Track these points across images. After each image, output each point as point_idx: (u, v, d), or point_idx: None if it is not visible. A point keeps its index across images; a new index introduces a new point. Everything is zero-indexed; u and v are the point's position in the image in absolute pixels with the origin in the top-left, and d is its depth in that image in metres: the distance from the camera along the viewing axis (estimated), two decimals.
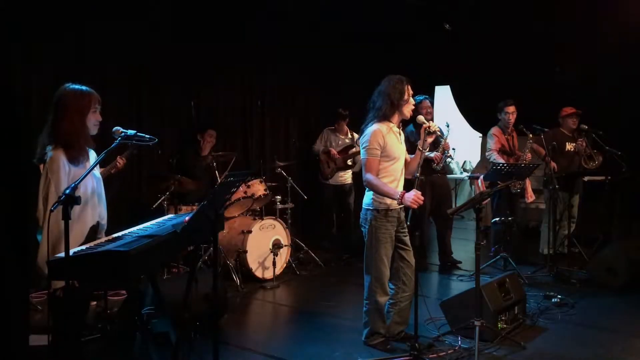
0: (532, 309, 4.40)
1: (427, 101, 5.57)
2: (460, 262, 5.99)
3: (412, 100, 3.64)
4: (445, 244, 5.96)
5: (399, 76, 3.61)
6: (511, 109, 5.81)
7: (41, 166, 2.80)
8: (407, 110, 3.63)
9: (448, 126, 5.13)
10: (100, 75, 5.33)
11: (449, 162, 6.06)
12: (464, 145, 9.72)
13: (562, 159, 5.98)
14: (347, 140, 6.74)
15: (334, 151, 6.66)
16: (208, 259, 5.36)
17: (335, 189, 6.78)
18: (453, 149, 5.58)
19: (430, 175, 5.60)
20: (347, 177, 6.79)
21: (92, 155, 2.97)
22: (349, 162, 6.67)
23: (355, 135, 6.71)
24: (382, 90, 3.61)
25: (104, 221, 2.98)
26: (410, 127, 5.53)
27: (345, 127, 6.79)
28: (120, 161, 4.14)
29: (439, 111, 9.07)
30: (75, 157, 2.77)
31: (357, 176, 6.89)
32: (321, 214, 7.02)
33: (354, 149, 6.56)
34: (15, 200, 2.95)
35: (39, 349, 3.17)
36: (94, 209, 2.87)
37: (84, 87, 2.85)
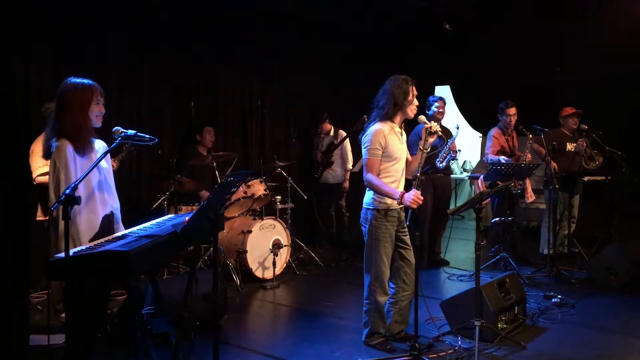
0: (532, 309, 4.39)
1: (442, 101, 5.71)
2: (448, 263, 6.01)
3: (415, 101, 3.63)
4: (436, 243, 6.01)
5: (404, 76, 3.60)
6: (512, 110, 5.80)
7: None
8: (411, 110, 3.62)
9: (458, 128, 5.16)
10: (100, 75, 5.30)
11: (452, 163, 6.09)
12: (464, 145, 9.72)
13: (563, 159, 5.97)
14: (330, 139, 6.98)
15: (318, 154, 7.08)
16: (208, 259, 5.36)
17: (327, 188, 6.96)
18: (459, 150, 5.63)
19: (434, 174, 5.61)
20: (336, 176, 6.86)
21: (101, 145, 2.96)
22: (332, 159, 6.91)
23: (340, 132, 6.90)
24: (386, 89, 3.60)
25: (118, 212, 2.97)
26: (421, 126, 5.55)
27: (328, 126, 7.02)
28: (113, 165, 4.12)
29: None
30: (80, 149, 2.77)
31: (353, 176, 6.94)
32: (318, 213, 7.13)
33: (334, 145, 6.89)
34: (15, 200, 2.95)
35: (39, 349, 3.17)
36: (103, 199, 2.86)
37: (85, 80, 2.85)
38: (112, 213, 2.91)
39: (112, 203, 2.93)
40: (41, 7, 4.82)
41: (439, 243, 6.05)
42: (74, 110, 2.77)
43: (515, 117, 5.82)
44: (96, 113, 2.86)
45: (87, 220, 2.73)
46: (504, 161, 5.47)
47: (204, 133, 5.95)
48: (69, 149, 2.71)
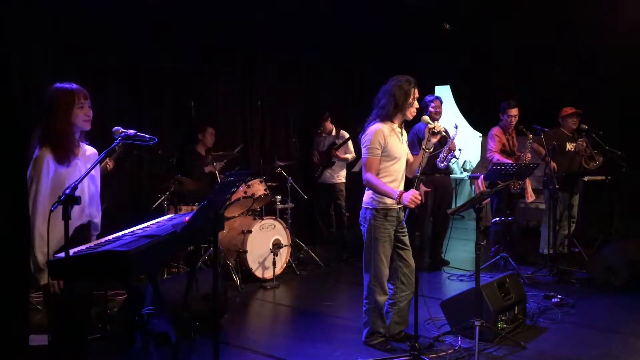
0: (532, 309, 4.40)
1: (438, 100, 5.67)
2: (448, 263, 6.02)
3: (415, 104, 3.62)
4: (438, 244, 6.00)
5: (406, 77, 3.58)
6: (514, 111, 5.77)
7: None
8: (410, 113, 3.61)
9: (456, 127, 5.15)
10: (100, 75, 5.33)
11: (453, 163, 6.07)
12: (464, 146, 9.72)
13: (562, 159, 5.97)
14: (331, 139, 6.93)
15: (315, 156, 7.01)
16: (208, 259, 5.36)
17: (326, 188, 6.94)
18: (459, 149, 5.59)
19: (433, 174, 5.61)
20: (336, 177, 6.87)
21: (92, 152, 2.95)
22: (333, 159, 6.87)
23: (342, 132, 6.89)
24: (387, 89, 3.58)
25: (96, 220, 2.95)
26: (419, 126, 5.54)
27: (330, 126, 6.97)
28: (110, 164, 4.11)
29: None
30: (64, 157, 2.74)
31: (352, 176, 6.93)
32: (317, 213, 7.13)
33: (336, 145, 6.82)
34: (14, 201, 2.95)
35: (39, 349, 3.17)
36: (82, 209, 2.83)
37: (67, 85, 2.83)
38: (89, 222, 2.88)
39: (91, 212, 2.90)
40: (41, 7, 4.82)
41: (441, 244, 6.05)
42: (57, 116, 2.75)
43: (517, 118, 5.80)
44: (82, 118, 2.81)
45: (59, 232, 2.69)
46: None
47: (206, 134, 5.95)
48: (46, 159, 2.68)
